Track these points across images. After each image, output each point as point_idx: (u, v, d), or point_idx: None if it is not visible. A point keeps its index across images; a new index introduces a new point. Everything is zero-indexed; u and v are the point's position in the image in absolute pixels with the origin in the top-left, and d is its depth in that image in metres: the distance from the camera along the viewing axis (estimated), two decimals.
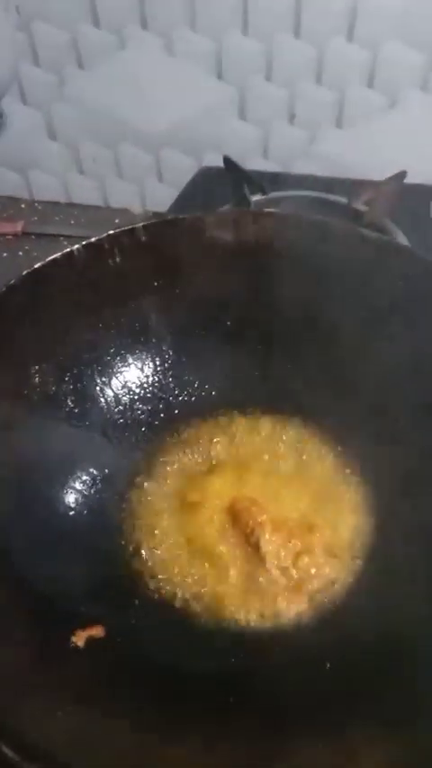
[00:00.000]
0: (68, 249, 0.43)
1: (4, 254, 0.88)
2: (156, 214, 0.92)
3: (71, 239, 0.89)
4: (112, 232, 0.44)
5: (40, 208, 0.97)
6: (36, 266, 0.42)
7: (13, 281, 0.41)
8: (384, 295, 0.42)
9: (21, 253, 0.88)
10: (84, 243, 0.43)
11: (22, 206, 0.97)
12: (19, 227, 0.90)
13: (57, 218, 0.94)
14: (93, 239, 0.44)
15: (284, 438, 0.45)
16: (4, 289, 0.41)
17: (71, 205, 0.96)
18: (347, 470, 0.44)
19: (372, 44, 0.69)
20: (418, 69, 0.70)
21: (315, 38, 0.70)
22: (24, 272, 0.42)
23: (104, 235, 0.44)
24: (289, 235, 0.44)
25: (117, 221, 0.93)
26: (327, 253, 0.43)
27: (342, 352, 0.45)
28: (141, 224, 0.44)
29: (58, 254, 0.43)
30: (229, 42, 0.73)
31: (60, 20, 0.75)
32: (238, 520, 0.40)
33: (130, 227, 0.44)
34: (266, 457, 0.44)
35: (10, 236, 0.90)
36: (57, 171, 0.93)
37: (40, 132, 0.89)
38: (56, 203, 0.97)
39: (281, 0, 0.68)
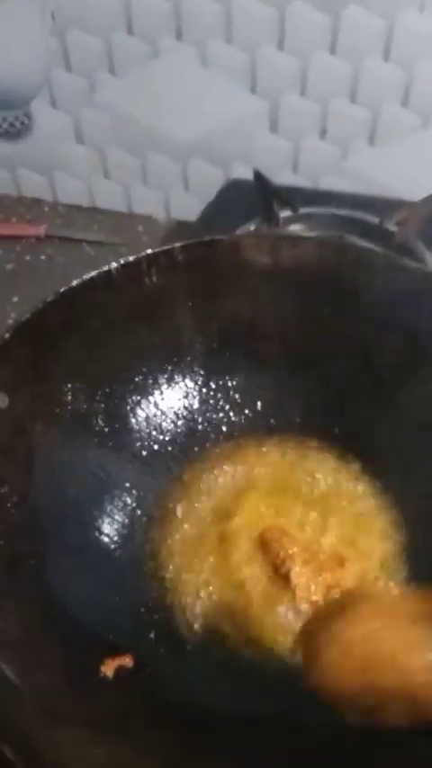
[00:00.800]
0: (106, 268, 0.43)
1: (27, 258, 0.88)
2: (180, 223, 0.92)
3: (93, 245, 0.89)
4: (150, 252, 0.44)
5: (63, 211, 0.96)
6: (73, 284, 0.42)
7: (50, 298, 0.41)
8: (424, 325, 0.42)
9: (43, 257, 0.88)
10: (122, 262, 0.43)
11: (46, 208, 0.97)
12: (42, 230, 0.90)
13: (80, 223, 0.94)
14: (131, 258, 0.43)
15: (315, 465, 0.45)
16: (41, 305, 0.41)
17: (94, 210, 0.96)
18: (378, 499, 0.43)
19: (407, 64, 0.69)
20: None
21: (351, 55, 0.70)
22: (62, 290, 0.41)
23: (142, 254, 0.43)
24: (328, 262, 0.43)
25: (140, 228, 0.93)
26: (367, 282, 0.42)
27: (377, 382, 0.44)
28: (179, 244, 0.44)
29: (94, 273, 0.43)
30: (263, 56, 0.72)
31: (95, 27, 0.75)
32: (269, 550, 0.39)
33: (167, 247, 0.44)
34: (297, 483, 0.44)
35: (33, 240, 0.90)
36: (82, 174, 0.93)
37: (67, 136, 0.88)
38: (79, 207, 0.96)
39: (317, 16, 0.68)
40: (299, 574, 0.38)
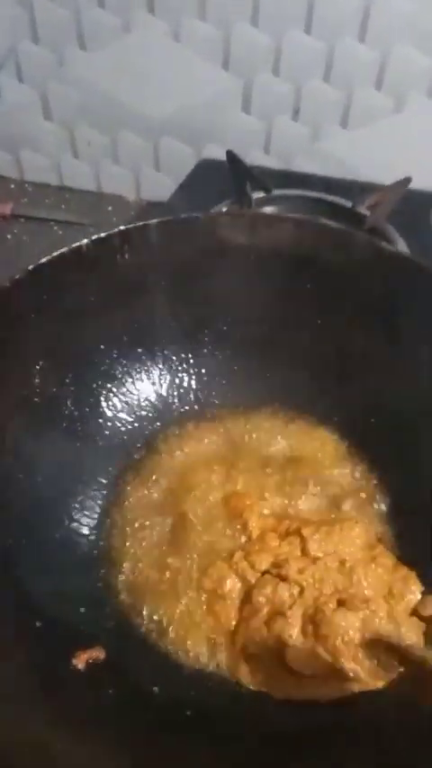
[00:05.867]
0: (77, 244, 0.41)
1: None
2: (150, 203, 0.91)
3: (62, 225, 0.87)
4: (123, 228, 0.42)
5: (30, 189, 0.94)
6: (43, 260, 0.40)
7: (18, 276, 0.39)
8: (400, 311, 0.42)
9: (9, 236, 0.85)
10: (94, 238, 0.41)
11: (12, 186, 0.94)
12: (8, 209, 0.87)
13: (47, 201, 0.92)
14: (103, 234, 0.42)
15: (291, 440, 0.45)
16: (8, 284, 0.39)
17: (63, 188, 0.94)
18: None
19: (382, 46, 0.68)
20: (426, 74, 0.69)
21: (326, 35, 0.69)
22: (31, 267, 0.40)
23: (115, 230, 0.42)
24: (305, 242, 0.43)
25: (110, 209, 0.91)
26: (344, 264, 0.42)
27: (352, 362, 0.44)
28: (154, 221, 0.43)
29: (65, 249, 0.41)
30: (237, 33, 0.71)
31: None
32: (237, 517, 0.39)
33: (142, 223, 0.42)
34: (269, 457, 0.44)
35: None
36: (50, 152, 0.90)
37: (34, 111, 0.86)
38: (47, 185, 0.94)
39: None
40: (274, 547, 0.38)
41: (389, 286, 0.41)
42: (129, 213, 0.89)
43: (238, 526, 0.41)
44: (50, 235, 0.86)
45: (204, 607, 0.38)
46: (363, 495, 0.43)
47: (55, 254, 0.41)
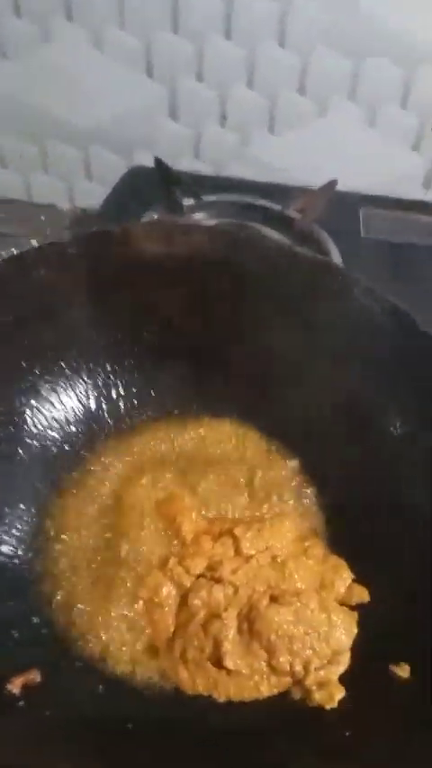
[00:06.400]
0: None
1: None
2: (84, 211, 0.90)
3: None
4: (36, 246, 0.42)
5: None
6: None
7: None
8: (315, 312, 0.43)
9: None
10: (6, 257, 0.41)
11: None
12: None
13: None
14: (15, 252, 0.41)
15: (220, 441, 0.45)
16: None
17: None
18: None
19: (302, 50, 0.69)
20: (346, 78, 0.71)
21: (246, 40, 0.69)
22: None
23: (28, 248, 0.41)
24: (220, 250, 0.43)
25: (43, 218, 0.90)
26: (259, 269, 0.42)
27: (276, 367, 0.45)
28: (68, 237, 0.42)
29: None
30: (158, 40, 0.71)
31: None
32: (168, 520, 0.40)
33: (57, 240, 0.42)
34: (206, 461, 0.44)
35: None
36: None
37: None
38: None
39: (211, 0, 0.67)
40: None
41: (301, 286, 0.42)
42: (63, 222, 0.88)
43: (170, 532, 0.41)
44: None
45: (142, 617, 0.38)
46: (294, 489, 0.44)
47: None
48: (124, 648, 0.37)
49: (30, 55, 0.75)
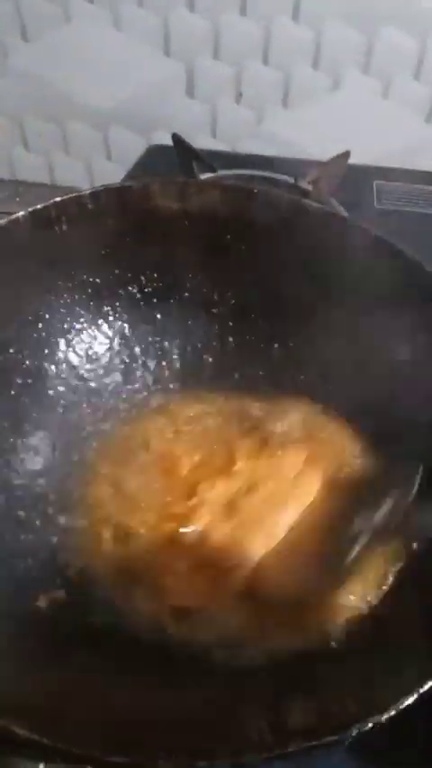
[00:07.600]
0: (13, 216, 0.42)
1: None
2: None
3: None
4: (58, 199, 0.43)
5: None
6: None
7: None
8: (328, 265, 0.44)
9: None
10: (30, 209, 0.42)
11: None
12: None
13: (1, 196, 0.92)
14: (39, 206, 0.43)
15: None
16: None
17: (15, 182, 0.95)
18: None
19: (316, 25, 0.70)
20: (359, 51, 0.72)
21: (260, 16, 0.71)
22: None
23: (50, 202, 0.43)
24: (233, 205, 0.44)
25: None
26: (273, 223, 0.43)
27: (290, 323, 0.46)
28: (88, 191, 0.44)
29: (2, 221, 0.42)
30: (175, 18, 0.73)
31: None
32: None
33: (75, 194, 0.44)
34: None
35: None
36: (1, 145, 0.91)
37: None
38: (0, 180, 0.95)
39: None
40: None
41: (314, 241, 0.43)
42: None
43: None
44: None
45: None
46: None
47: None
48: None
49: (50, 36, 0.77)
